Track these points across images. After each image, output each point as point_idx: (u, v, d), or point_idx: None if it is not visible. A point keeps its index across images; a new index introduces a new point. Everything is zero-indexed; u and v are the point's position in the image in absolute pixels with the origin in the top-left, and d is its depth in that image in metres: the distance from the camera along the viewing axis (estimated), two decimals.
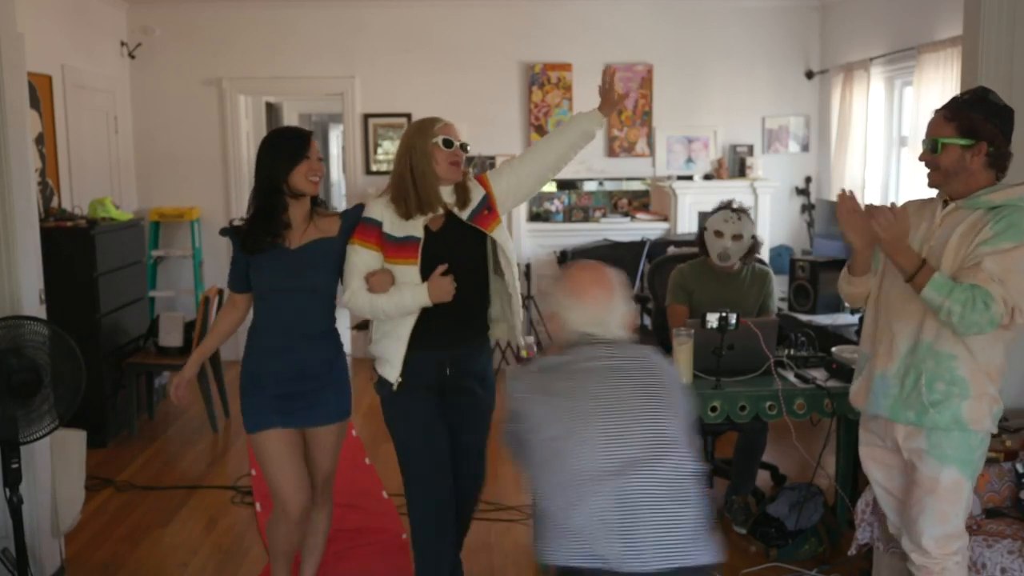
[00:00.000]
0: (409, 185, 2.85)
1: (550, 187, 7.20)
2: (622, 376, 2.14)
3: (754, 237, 4.04)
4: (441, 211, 2.90)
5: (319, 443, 3.01)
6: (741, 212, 4.01)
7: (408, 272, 2.85)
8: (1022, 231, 2.41)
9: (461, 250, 2.92)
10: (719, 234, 3.97)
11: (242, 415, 2.95)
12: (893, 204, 2.58)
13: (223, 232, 2.99)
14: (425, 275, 2.85)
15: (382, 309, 2.86)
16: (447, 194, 2.91)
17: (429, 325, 2.89)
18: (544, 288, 2.39)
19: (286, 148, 2.83)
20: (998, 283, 2.38)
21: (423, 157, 2.85)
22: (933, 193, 2.72)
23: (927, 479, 2.59)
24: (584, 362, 2.16)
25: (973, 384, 2.53)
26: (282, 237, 2.85)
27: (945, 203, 2.61)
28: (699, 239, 4.13)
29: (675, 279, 4.15)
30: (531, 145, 3.15)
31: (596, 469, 2.00)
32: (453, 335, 2.94)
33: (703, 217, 4.18)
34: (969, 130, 2.49)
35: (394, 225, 2.88)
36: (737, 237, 3.95)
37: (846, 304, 3.64)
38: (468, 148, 2.95)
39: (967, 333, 2.44)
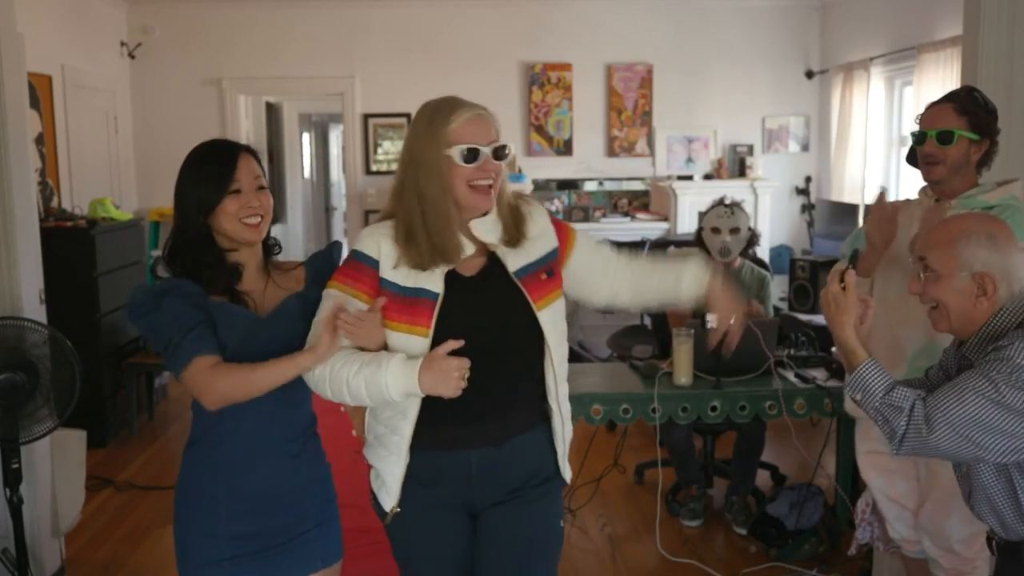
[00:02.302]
0: (417, 220, 1.87)
1: (551, 187, 7.20)
2: None
3: (751, 229, 4.08)
4: (473, 249, 1.92)
5: None
6: (734, 206, 4.07)
7: (413, 345, 1.85)
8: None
9: (503, 312, 1.93)
10: (716, 231, 4.02)
11: (179, 567, 2.02)
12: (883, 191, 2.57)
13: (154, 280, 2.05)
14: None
15: (346, 384, 1.81)
16: (488, 228, 1.92)
17: (448, 412, 1.88)
18: (964, 260, 1.85)
19: (205, 174, 1.92)
20: None
21: (434, 176, 1.86)
22: (912, 194, 2.71)
23: (949, 481, 2.52)
24: None
25: None
26: (245, 300, 1.96)
27: (936, 203, 2.59)
28: (697, 239, 4.17)
29: None
30: (630, 260, 2.16)
31: None
32: (484, 429, 1.95)
33: (702, 217, 4.20)
34: (978, 126, 2.49)
35: (399, 269, 1.89)
36: (735, 231, 4.00)
37: None
38: (508, 152, 1.91)
39: None
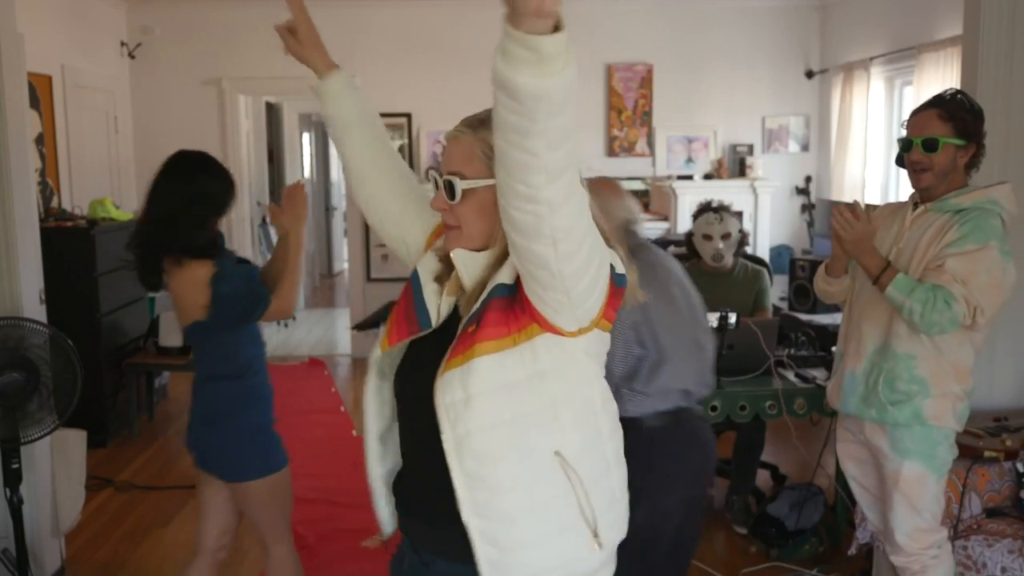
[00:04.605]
0: None
1: None
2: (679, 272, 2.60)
3: (741, 231, 4.09)
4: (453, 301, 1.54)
5: None
6: (722, 211, 4.07)
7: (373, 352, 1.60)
8: (987, 233, 2.46)
9: (421, 370, 1.49)
10: (708, 237, 4.02)
11: (260, 457, 2.64)
12: (855, 203, 2.62)
13: (238, 261, 2.65)
14: (399, 391, 1.60)
15: None
16: (467, 262, 1.48)
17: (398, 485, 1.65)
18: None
19: (230, 182, 2.63)
20: (960, 283, 2.42)
21: None
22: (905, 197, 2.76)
23: (891, 473, 2.65)
24: (660, 258, 2.54)
25: (934, 383, 2.57)
26: None
27: (915, 206, 2.65)
28: (688, 244, 4.17)
29: None
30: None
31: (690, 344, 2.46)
32: (412, 519, 1.61)
33: (692, 221, 4.20)
34: (963, 131, 2.53)
35: (428, 269, 1.59)
36: (726, 236, 4.01)
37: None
38: (455, 189, 1.46)
39: (930, 332, 2.48)
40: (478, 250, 1.47)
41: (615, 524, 1.51)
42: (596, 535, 1.45)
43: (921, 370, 2.57)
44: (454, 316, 1.50)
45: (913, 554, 2.65)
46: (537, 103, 1.13)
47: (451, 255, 1.48)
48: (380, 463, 1.65)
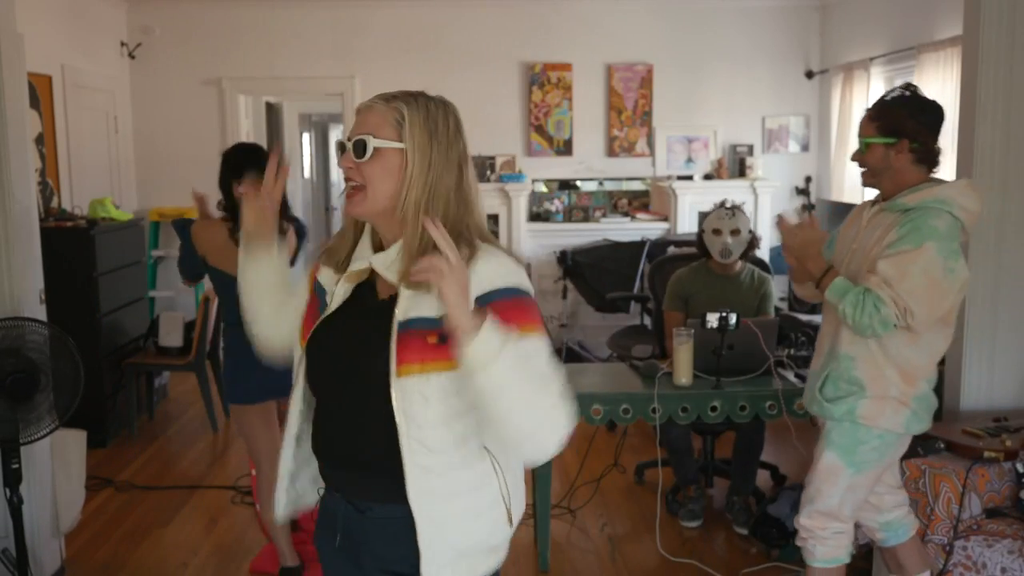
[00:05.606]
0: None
1: (549, 187, 7.21)
2: None
3: (751, 232, 4.09)
4: (364, 265, 1.63)
5: None
6: (735, 209, 4.08)
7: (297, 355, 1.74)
8: (923, 234, 2.46)
9: (360, 355, 1.61)
10: (717, 232, 4.02)
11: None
12: (797, 211, 2.68)
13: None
14: (310, 372, 1.69)
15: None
16: (385, 262, 1.60)
17: (318, 435, 1.72)
18: None
19: None
20: (888, 285, 2.44)
21: None
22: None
23: (815, 457, 2.76)
24: None
25: (871, 385, 2.60)
26: None
27: (874, 205, 2.70)
28: (698, 242, 4.17)
29: (672, 285, 4.19)
30: None
31: None
32: (345, 472, 1.68)
33: (703, 218, 4.20)
34: (891, 128, 2.56)
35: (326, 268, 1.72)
36: (735, 232, 4.00)
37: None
38: (366, 146, 1.55)
39: (863, 335, 2.52)
40: (381, 214, 1.58)
41: (521, 504, 1.70)
42: (510, 514, 1.65)
43: (859, 371, 2.61)
44: (358, 297, 1.64)
45: (807, 528, 2.76)
46: (481, 395, 1.44)
47: (374, 267, 1.60)
48: (293, 460, 1.77)
